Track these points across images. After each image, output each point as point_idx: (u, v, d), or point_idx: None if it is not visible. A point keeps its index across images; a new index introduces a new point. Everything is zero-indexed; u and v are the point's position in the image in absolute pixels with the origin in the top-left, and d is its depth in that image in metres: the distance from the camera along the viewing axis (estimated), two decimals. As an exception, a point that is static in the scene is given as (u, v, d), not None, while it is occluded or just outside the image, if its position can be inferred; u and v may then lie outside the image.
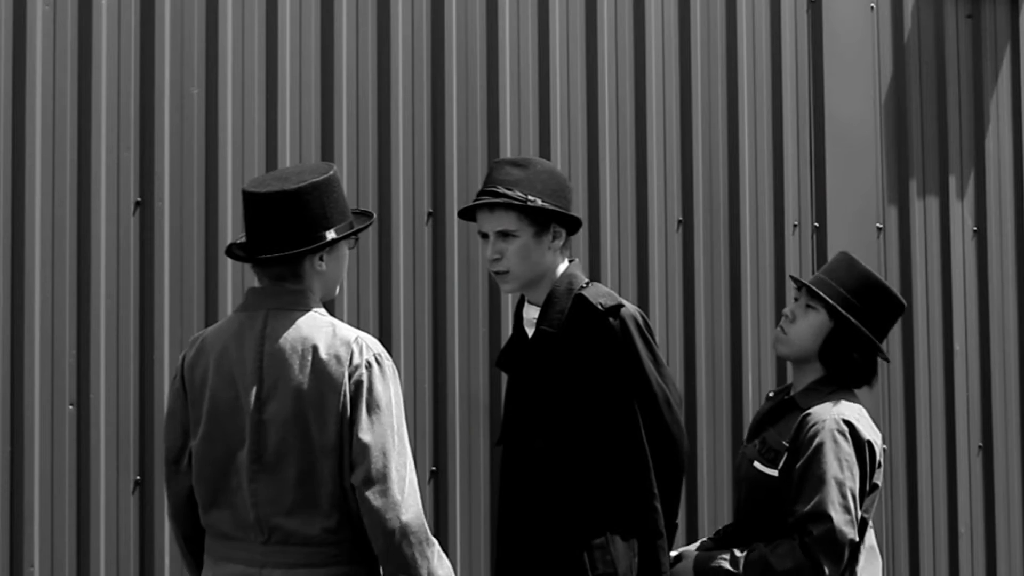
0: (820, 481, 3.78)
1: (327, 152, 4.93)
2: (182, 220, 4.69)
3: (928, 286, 6.15)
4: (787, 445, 3.90)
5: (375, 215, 3.89)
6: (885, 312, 4.03)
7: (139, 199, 4.64)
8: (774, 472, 3.89)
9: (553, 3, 5.36)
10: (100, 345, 4.54)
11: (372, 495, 3.34)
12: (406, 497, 3.36)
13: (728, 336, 5.63)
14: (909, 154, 6.14)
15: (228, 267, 4.73)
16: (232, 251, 3.61)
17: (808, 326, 4.02)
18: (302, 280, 3.51)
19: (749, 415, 5.61)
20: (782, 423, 3.98)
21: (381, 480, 3.34)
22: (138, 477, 4.58)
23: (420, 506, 3.40)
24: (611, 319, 3.85)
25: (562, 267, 3.99)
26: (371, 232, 4.97)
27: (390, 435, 3.39)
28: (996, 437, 6.31)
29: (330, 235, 3.49)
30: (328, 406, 3.39)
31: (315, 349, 3.42)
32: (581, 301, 3.90)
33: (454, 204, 5.11)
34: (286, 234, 3.45)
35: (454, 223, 5.10)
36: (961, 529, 6.18)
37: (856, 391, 4.05)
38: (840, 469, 3.79)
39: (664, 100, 5.56)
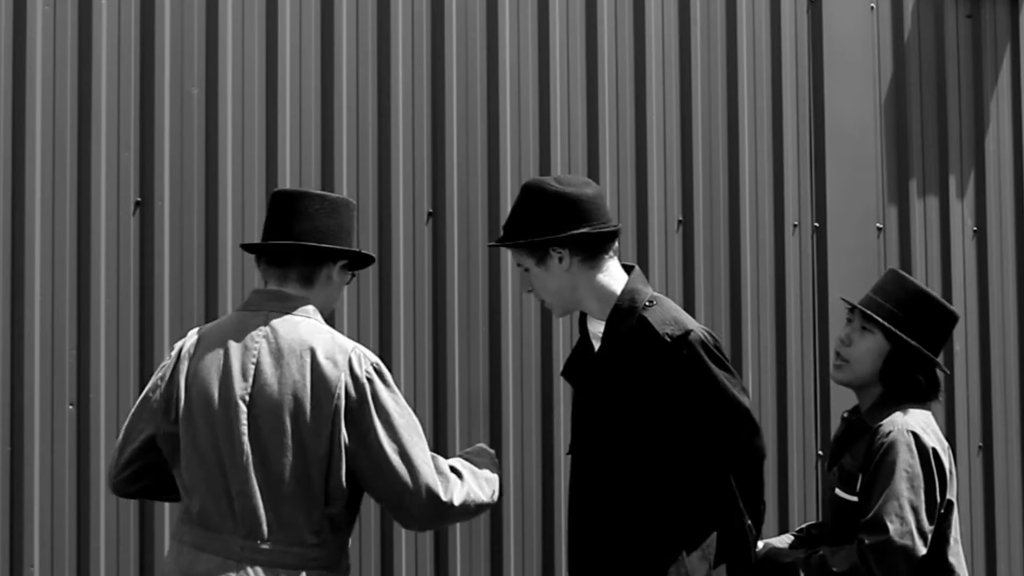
0: (880, 492, 3.76)
1: (327, 152, 4.93)
2: (182, 220, 4.69)
3: (928, 286, 6.15)
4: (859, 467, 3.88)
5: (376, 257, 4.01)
6: (940, 327, 3.97)
7: (139, 199, 4.64)
8: (853, 498, 3.86)
9: (553, 3, 5.36)
10: (100, 345, 4.54)
11: (414, 506, 3.47)
12: (447, 487, 3.51)
13: (728, 336, 5.63)
14: (909, 154, 6.14)
15: (228, 267, 4.73)
16: (252, 245, 3.69)
17: (866, 350, 3.95)
18: (311, 286, 3.60)
19: (749, 415, 5.62)
20: (856, 446, 3.93)
21: (418, 488, 3.46)
22: (138, 477, 4.58)
23: (445, 477, 3.52)
24: (681, 350, 3.73)
25: (616, 279, 3.86)
26: (371, 232, 4.98)
27: (407, 437, 3.48)
28: (996, 437, 6.31)
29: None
30: (322, 409, 3.44)
31: (313, 352, 3.47)
32: (645, 327, 3.77)
33: (454, 204, 5.11)
34: (321, 234, 3.57)
35: (454, 223, 5.10)
36: (961, 529, 6.18)
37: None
38: (903, 481, 3.76)
39: (664, 100, 5.56)
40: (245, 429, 3.45)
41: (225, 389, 3.49)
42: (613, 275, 3.87)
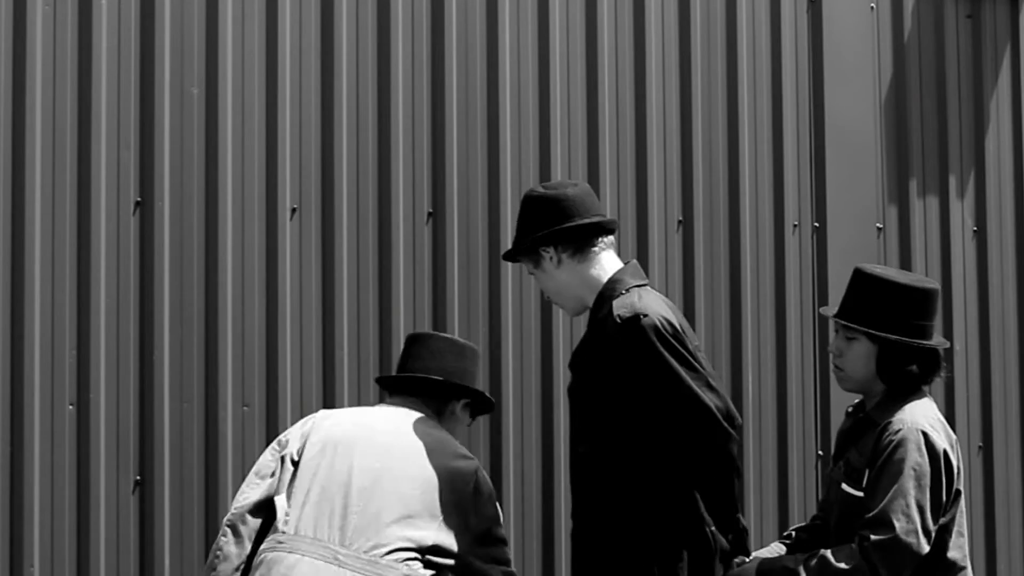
0: (887, 489, 3.77)
1: (327, 152, 4.93)
2: (182, 220, 4.69)
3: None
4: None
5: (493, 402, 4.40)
6: (917, 309, 3.96)
7: (139, 199, 4.64)
8: (859, 493, 3.87)
9: (553, 3, 5.36)
10: (100, 345, 4.54)
11: None
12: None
13: (728, 336, 5.63)
14: (909, 154, 6.14)
15: (228, 267, 4.73)
16: (385, 378, 4.26)
17: (856, 356, 3.99)
18: (439, 418, 4.07)
19: (749, 415, 5.62)
20: (863, 442, 3.95)
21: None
22: (138, 477, 4.58)
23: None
24: (629, 332, 3.73)
25: (606, 272, 3.90)
26: (371, 232, 4.98)
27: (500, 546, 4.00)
28: (996, 437, 6.31)
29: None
30: (450, 485, 3.85)
31: (450, 441, 3.91)
32: (609, 312, 3.81)
33: (454, 204, 5.11)
34: (447, 374, 4.06)
35: (454, 223, 5.10)
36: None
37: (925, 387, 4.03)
38: (911, 479, 3.77)
39: (664, 100, 5.56)
40: (379, 464, 3.83)
41: (368, 433, 3.91)
42: (604, 268, 3.90)
